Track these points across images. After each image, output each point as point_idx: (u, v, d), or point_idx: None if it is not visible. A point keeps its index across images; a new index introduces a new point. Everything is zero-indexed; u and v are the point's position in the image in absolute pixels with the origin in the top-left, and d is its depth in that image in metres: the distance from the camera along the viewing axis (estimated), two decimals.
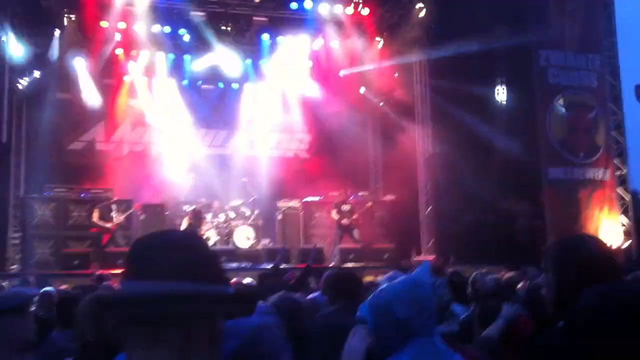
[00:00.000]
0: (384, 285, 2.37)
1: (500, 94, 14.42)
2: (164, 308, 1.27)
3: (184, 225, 13.87)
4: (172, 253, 1.36)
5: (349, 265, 13.31)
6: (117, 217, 13.48)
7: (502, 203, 13.79)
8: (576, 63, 13.63)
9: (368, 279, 8.09)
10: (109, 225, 13.34)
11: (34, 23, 13.68)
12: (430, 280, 2.56)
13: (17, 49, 13.38)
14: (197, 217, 13.96)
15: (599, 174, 13.29)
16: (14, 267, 13.07)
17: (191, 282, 1.33)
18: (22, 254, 13.46)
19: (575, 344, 1.71)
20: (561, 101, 13.37)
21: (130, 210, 13.90)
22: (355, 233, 14.65)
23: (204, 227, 14.26)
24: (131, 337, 1.30)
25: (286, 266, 11.13)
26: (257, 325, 1.95)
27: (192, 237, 1.51)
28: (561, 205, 12.98)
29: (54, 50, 14.38)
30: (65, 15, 14.00)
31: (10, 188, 13.72)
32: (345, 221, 14.57)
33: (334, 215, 14.70)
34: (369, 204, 15.70)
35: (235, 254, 13.94)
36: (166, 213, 14.60)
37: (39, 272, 11.99)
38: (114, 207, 13.53)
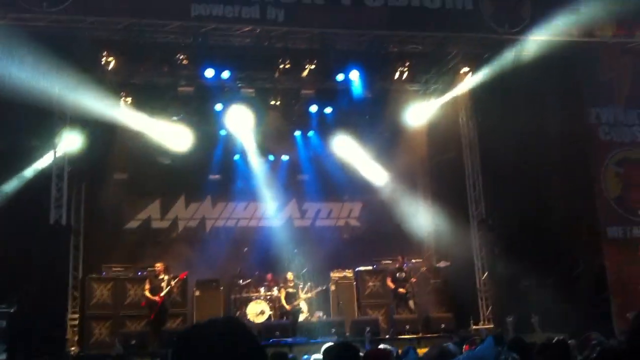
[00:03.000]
0: None
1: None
2: None
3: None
4: (215, 345, 1.44)
5: (405, 336, 13.07)
6: (165, 289, 13.45)
7: (560, 265, 13.40)
8: (627, 119, 13.44)
9: (424, 350, 7.93)
10: (156, 298, 13.36)
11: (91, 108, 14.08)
12: (494, 354, 2.49)
13: (74, 135, 13.74)
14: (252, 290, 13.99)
15: None
16: (73, 349, 13.05)
17: None
18: (80, 335, 13.56)
19: None
20: (614, 158, 13.14)
21: (175, 280, 13.71)
22: (411, 302, 14.42)
23: (258, 302, 14.26)
24: None
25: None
26: None
27: (233, 324, 1.56)
28: (623, 264, 12.58)
29: (111, 133, 14.79)
30: (122, 97, 14.41)
31: (70, 269, 13.91)
32: (401, 290, 14.37)
33: (390, 283, 14.53)
34: (423, 269, 15.49)
35: (289, 327, 13.81)
36: (220, 288, 14.64)
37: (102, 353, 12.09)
38: (165, 279, 13.55)
